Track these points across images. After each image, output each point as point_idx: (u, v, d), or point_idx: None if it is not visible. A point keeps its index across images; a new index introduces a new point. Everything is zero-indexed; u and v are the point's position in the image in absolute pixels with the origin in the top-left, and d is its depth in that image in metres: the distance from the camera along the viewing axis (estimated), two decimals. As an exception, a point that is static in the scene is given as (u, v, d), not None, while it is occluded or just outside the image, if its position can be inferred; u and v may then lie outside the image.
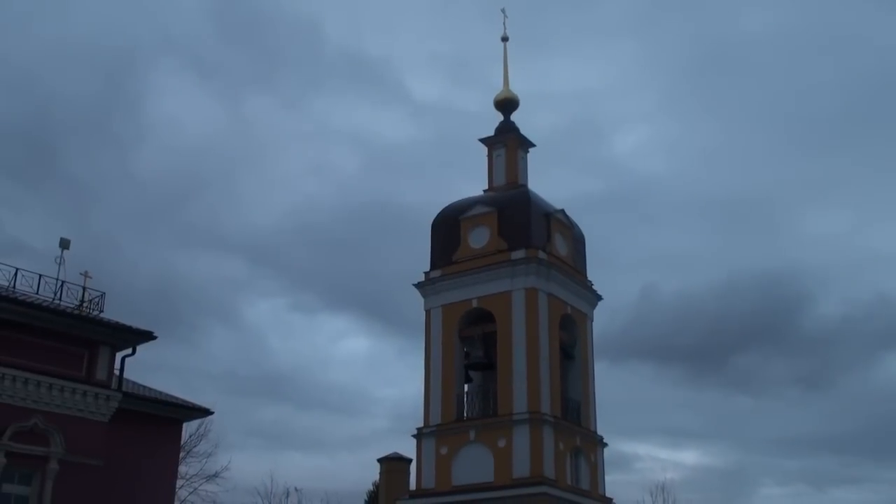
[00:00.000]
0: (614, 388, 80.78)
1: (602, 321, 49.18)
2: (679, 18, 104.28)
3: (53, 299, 27.90)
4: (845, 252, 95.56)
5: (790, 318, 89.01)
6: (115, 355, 28.55)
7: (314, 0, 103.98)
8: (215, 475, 51.09)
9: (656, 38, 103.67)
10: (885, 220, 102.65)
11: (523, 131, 47.46)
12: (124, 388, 29.00)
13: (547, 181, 45.62)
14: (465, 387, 43.35)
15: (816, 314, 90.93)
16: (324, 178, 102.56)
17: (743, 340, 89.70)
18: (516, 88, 48.33)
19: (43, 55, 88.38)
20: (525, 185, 46.17)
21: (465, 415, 41.84)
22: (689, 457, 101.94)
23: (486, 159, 47.47)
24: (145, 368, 33.57)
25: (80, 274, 29.11)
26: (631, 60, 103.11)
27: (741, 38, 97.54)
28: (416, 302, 44.09)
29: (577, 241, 45.82)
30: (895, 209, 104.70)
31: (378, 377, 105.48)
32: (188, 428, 44.49)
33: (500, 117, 48.08)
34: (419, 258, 44.91)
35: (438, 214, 45.64)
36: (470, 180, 46.35)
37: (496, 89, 48.38)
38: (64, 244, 29.18)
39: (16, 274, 27.52)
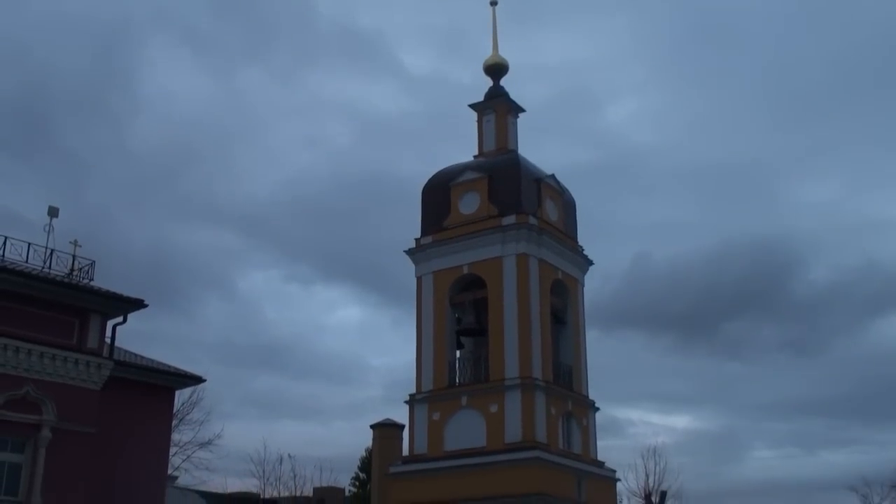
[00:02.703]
0: (606, 355, 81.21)
1: (594, 289, 49.50)
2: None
3: (43, 268, 27.71)
4: (835, 219, 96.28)
5: (780, 285, 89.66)
6: (106, 323, 28.35)
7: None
8: (208, 442, 51.42)
9: (646, 10, 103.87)
10: (875, 187, 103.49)
11: (516, 101, 47.27)
12: (116, 357, 28.92)
13: (539, 151, 45.79)
14: (457, 353, 43.51)
15: (806, 280, 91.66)
16: (317, 150, 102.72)
17: (734, 307, 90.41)
18: (506, 54, 48.19)
19: (37, 29, 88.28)
20: (515, 151, 46.04)
21: (457, 381, 42.00)
22: (681, 421, 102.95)
23: (476, 127, 47.33)
24: (141, 338, 33.67)
25: (70, 242, 28.92)
26: (622, 33, 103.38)
27: (730, 9, 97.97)
28: (410, 271, 44.18)
29: (567, 206, 45.79)
30: (885, 176, 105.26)
31: (372, 346, 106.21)
32: (181, 396, 44.62)
33: (490, 83, 47.89)
34: (413, 229, 45.01)
35: (428, 181, 45.53)
36: (463, 151, 46.29)
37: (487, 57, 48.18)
38: (52, 212, 28.83)
39: (4, 242, 27.19)
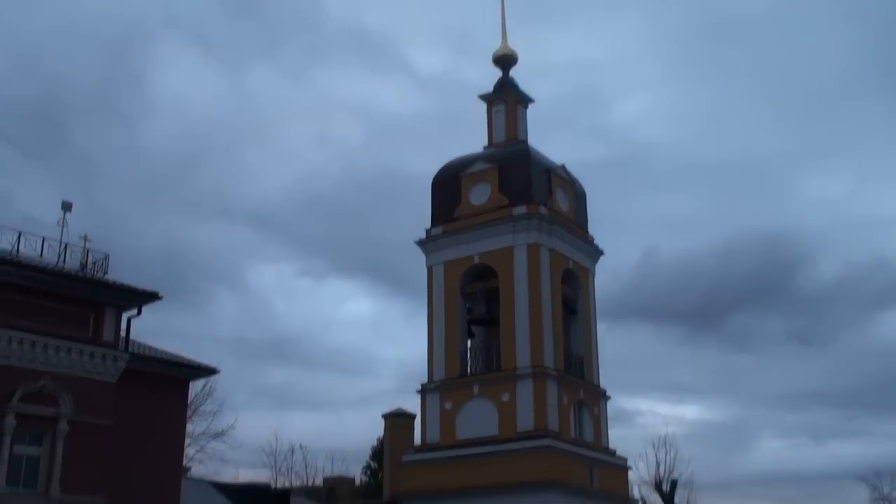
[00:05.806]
0: (616, 347, 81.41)
1: (604, 282, 49.51)
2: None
3: (57, 262, 27.93)
4: (844, 214, 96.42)
5: (788, 279, 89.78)
6: (120, 316, 28.57)
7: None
8: (221, 433, 51.69)
9: (656, 8, 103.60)
10: (884, 183, 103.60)
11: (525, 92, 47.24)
12: (131, 350, 29.13)
13: (549, 146, 45.44)
14: (469, 342, 43.65)
15: (815, 275, 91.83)
16: (328, 148, 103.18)
17: (742, 300, 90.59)
18: (515, 45, 48.12)
19: (49, 33, 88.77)
20: (525, 141, 46.05)
21: (468, 370, 42.16)
22: (690, 412, 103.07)
23: (486, 118, 47.28)
24: (153, 333, 33.77)
25: (80, 237, 29.07)
26: (631, 31, 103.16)
27: (740, 7, 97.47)
28: (420, 263, 44.28)
29: (577, 196, 45.82)
30: (893, 173, 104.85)
31: (384, 339, 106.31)
32: (194, 387, 44.83)
33: (499, 74, 47.86)
34: (423, 224, 44.99)
35: (439, 171, 45.59)
36: (472, 148, 46.32)
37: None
38: (66, 206, 28.97)
39: (19, 237, 27.50)
